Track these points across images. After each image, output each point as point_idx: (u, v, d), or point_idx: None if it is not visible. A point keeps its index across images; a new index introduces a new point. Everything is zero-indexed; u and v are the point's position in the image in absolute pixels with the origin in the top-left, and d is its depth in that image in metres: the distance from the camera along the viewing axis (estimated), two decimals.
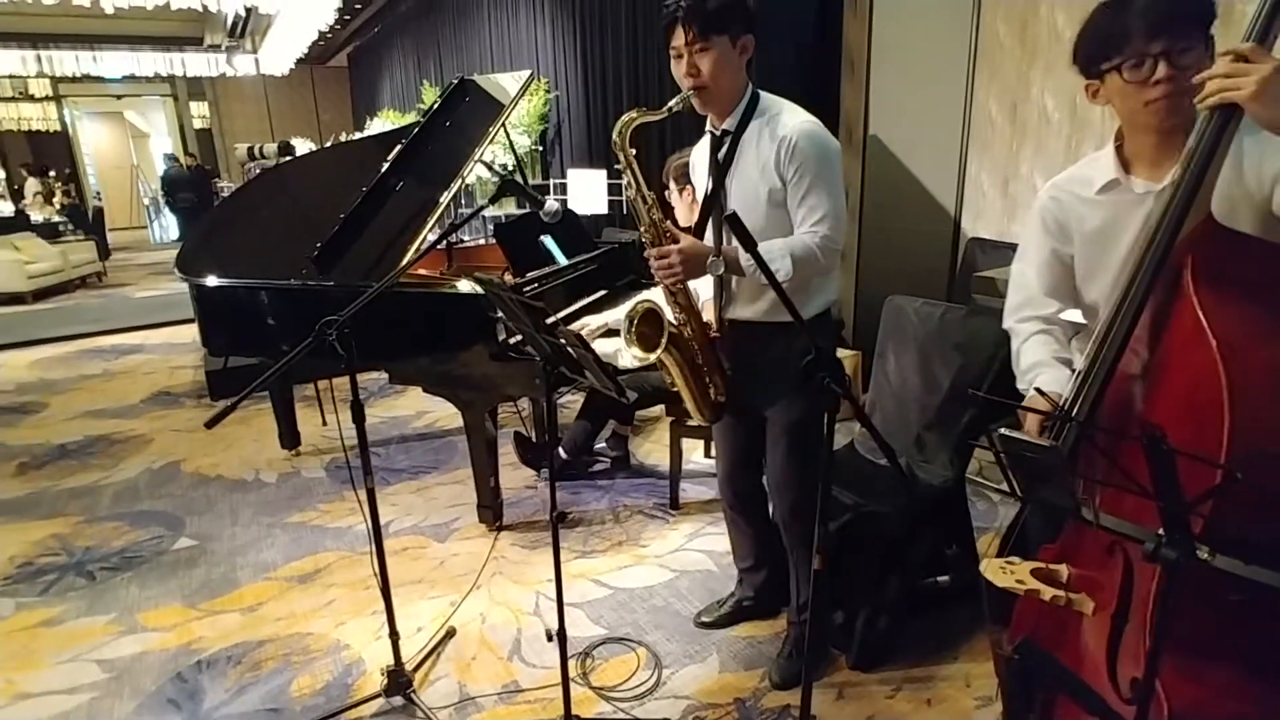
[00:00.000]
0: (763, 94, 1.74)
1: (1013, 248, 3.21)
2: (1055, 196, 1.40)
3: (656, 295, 2.74)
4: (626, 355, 2.45)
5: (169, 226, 13.84)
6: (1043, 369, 1.40)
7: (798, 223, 1.70)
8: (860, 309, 4.03)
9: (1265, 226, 1.15)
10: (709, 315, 1.86)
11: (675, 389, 1.85)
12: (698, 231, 1.79)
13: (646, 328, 1.74)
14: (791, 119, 1.68)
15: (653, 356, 1.72)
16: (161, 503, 3.21)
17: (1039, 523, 1.51)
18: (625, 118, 1.66)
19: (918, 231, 3.72)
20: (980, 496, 2.93)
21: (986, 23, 3.33)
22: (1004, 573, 1.20)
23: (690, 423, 2.90)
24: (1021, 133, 3.28)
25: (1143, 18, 1.12)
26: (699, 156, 1.88)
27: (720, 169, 1.75)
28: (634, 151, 1.67)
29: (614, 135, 1.67)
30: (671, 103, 1.66)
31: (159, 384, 4.94)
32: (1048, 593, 1.16)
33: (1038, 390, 1.30)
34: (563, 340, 1.48)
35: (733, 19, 1.61)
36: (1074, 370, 1.41)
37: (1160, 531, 0.80)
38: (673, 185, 2.97)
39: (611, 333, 2.95)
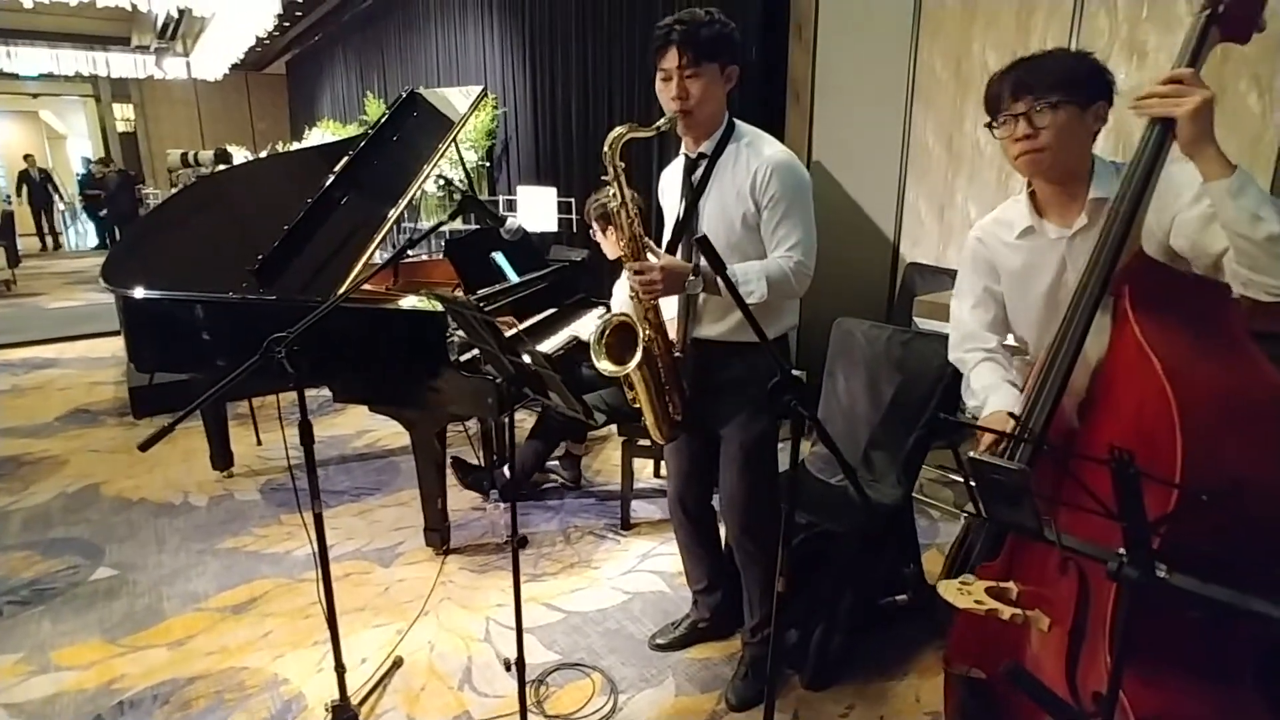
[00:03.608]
0: (738, 122, 1.80)
1: (948, 273, 3.40)
2: (980, 239, 1.57)
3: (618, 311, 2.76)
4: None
5: (86, 234, 13.16)
6: (994, 391, 1.50)
7: (771, 247, 1.76)
8: (802, 329, 4.11)
9: (1171, 261, 1.28)
10: (673, 334, 1.87)
11: (638, 405, 1.85)
12: (669, 252, 1.82)
13: (616, 340, 1.73)
14: (768, 148, 1.74)
15: (627, 369, 1.71)
16: (78, 529, 3.00)
17: (986, 541, 1.57)
18: (616, 132, 1.69)
19: (858, 255, 3.83)
20: (921, 513, 3.02)
21: (924, 58, 3.48)
22: (962, 594, 1.24)
23: (642, 442, 2.91)
24: (956, 162, 3.42)
25: (1010, 83, 1.33)
26: (670, 178, 1.92)
27: (695, 192, 1.79)
28: (623, 165, 1.70)
29: (605, 147, 1.69)
30: (660, 122, 1.72)
31: (76, 401, 4.64)
32: (1007, 612, 1.20)
33: (1007, 414, 1.36)
34: (528, 359, 1.46)
35: (723, 48, 1.68)
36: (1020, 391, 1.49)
37: (1121, 551, 0.84)
38: (595, 225, 3.05)
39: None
